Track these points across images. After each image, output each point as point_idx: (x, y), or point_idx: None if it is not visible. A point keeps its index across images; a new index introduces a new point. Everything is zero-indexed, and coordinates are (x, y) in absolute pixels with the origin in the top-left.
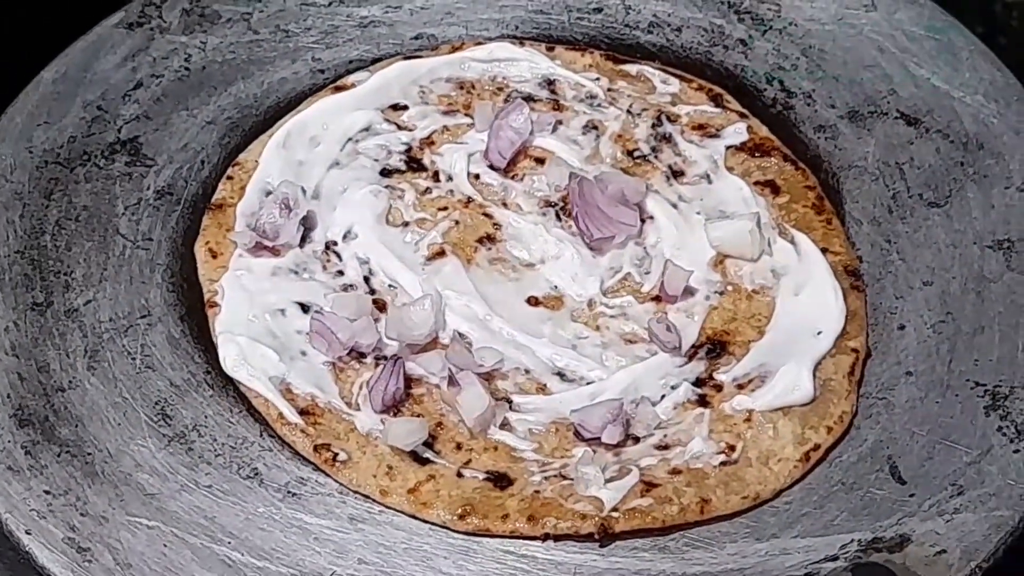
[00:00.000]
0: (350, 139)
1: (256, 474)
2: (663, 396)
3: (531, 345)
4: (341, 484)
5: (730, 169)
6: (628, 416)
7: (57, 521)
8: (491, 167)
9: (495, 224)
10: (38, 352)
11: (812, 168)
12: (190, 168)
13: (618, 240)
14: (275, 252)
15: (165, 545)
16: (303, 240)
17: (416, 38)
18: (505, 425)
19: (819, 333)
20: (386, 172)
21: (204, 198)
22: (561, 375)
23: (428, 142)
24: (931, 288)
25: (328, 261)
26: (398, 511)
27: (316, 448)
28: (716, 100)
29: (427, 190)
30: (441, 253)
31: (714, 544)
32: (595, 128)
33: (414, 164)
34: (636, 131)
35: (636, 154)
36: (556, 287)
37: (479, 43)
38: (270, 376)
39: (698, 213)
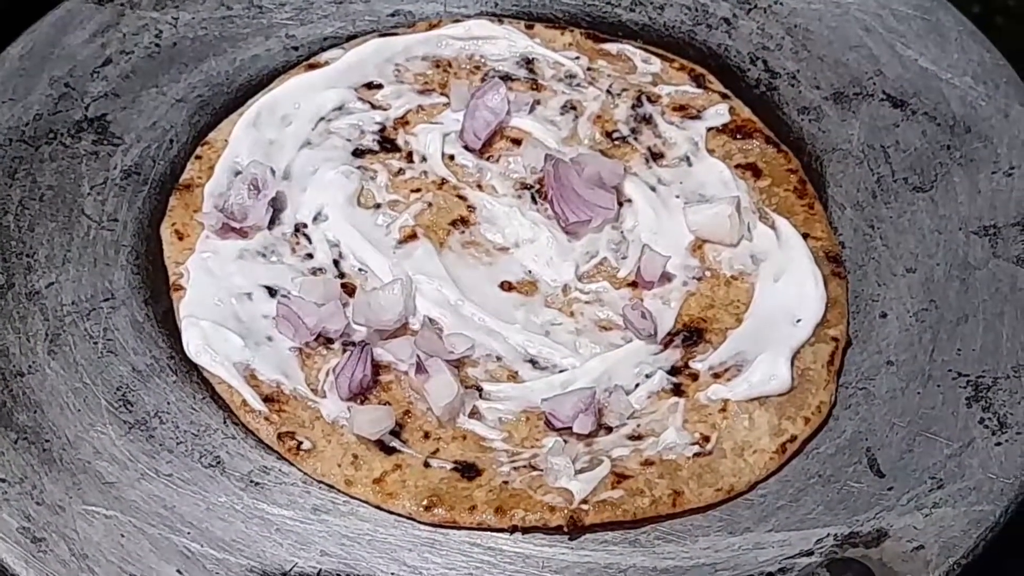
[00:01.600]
0: (322, 118)
1: (218, 463)
2: (637, 385)
3: (503, 331)
4: (305, 473)
5: (711, 151)
6: (601, 405)
7: (12, 510)
8: (466, 148)
9: (469, 206)
10: None
11: (795, 151)
12: (158, 147)
13: (594, 224)
14: (243, 234)
15: (122, 535)
16: (272, 222)
17: (393, 15)
18: (474, 414)
19: (798, 321)
20: (359, 152)
21: (172, 178)
22: (533, 362)
23: (402, 122)
24: (914, 275)
25: (297, 244)
26: (363, 502)
27: (280, 436)
28: (698, 80)
29: (400, 171)
30: (413, 236)
31: (686, 538)
32: (573, 109)
33: (387, 144)
34: (616, 112)
35: (615, 135)
36: (530, 272)
37: (457, 20)
38: (234, 362)
39: (677, 196)
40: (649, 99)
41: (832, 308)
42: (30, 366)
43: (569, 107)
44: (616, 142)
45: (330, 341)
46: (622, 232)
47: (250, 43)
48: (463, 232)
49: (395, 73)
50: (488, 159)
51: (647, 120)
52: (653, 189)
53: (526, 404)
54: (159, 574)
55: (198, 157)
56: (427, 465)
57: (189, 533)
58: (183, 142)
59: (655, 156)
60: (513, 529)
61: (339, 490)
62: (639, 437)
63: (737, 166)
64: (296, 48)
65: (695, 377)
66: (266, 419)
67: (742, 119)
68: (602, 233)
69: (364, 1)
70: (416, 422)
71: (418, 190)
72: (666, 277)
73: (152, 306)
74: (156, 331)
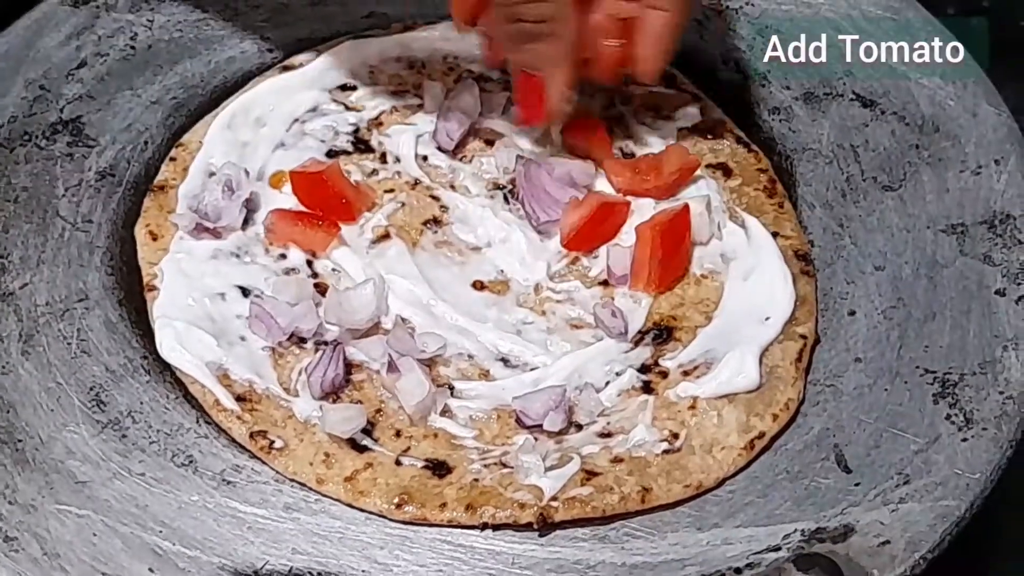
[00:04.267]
0: (296, 120)
1: (191, 462)
2: (607, 383)
3: (475, 330)
4: (277, 472)
5: None
6: (571, 403)
7: None
8: (440, 149)
9: (442, 207)
10: None
11: (765, 151)
12: (133, 149)
13: None
14: (217, 234)
15: (94, 534)
16: (245, 222)
17: (367, 17)
18: (446, 412)
19: (767, 319)
20: (332, 153)
21: (146, 180)
22: (505, 361)
23: (376, 123)
24: (883, 273)
25: (270, 244)
26: (334, 500)
27: (252, 435)
28: (670, 81)
29: (374, 172)
30: (386, 236)
31: (655, 534)
32: None
33: (361, 145)
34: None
35: None
36: (502, 271)
37: (431, 23)
38: (207, 361)
39: None
40: (621, 100)
41: (801, 306)
42: (3, 366)
43: None
44: None
45: (303, 340)
46: None
47: (225, 45)
48: (436, 232)
49: (369, 75)
50: (461, 160)
51: (619, 120)
52: None
53: (497, 402)
54: (131, 573)
55: (172, 159)
56: (398, 463)
57: (161, 532)
58: (157, 144)
59: (627, 156)
60: (483, 526)
61: (311, 488)
62: (609, 434)
63: (708, 165)
64: (271, 50)
65: (665, 375)
66: (238, 418)
67: (713, 119)
68: None
69: (339, 3)
70: (388, 420)
71: (391, 190)
72: None
73: (126, 307)
74: (130, 331)
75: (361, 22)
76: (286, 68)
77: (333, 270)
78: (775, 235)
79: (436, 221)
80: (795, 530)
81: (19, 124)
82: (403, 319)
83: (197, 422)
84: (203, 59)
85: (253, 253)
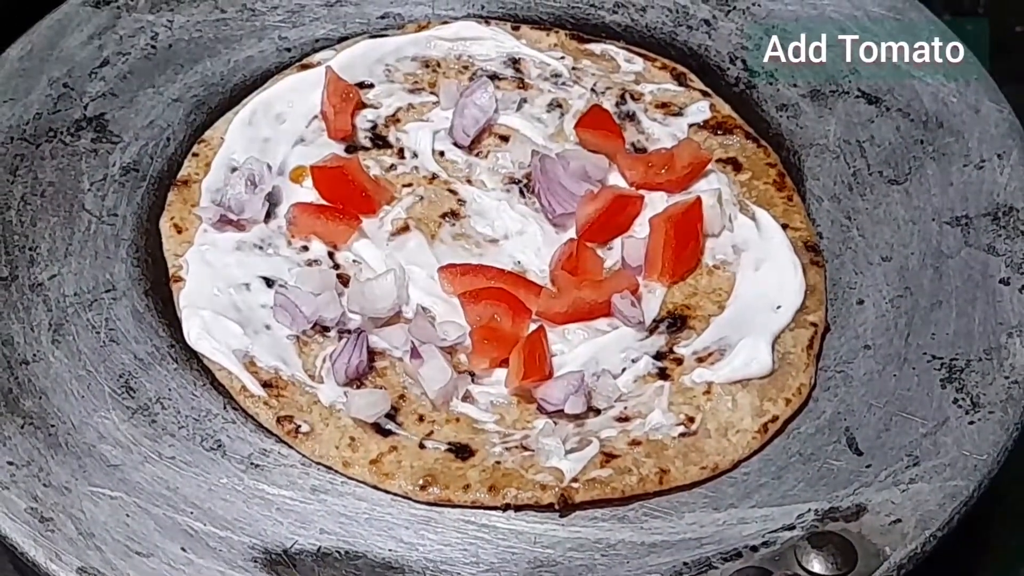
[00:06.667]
0: (315, 116)
1: (219, 446)
2: (624, 369)
3: None
4: (304, 455)
5: None
6: (589, 389)
7: (20, 491)
8: (456, 144)
9: (459, 200)
10: (2, 326)
11: (774, 146)
12: (156, 145)
13: None
14: (240, 227)
15: (127, 515)
16: (268, 215)
17: (382, 17)
18: (467, 397)
19: (778, 307)
20: (351, 149)
21: (169, 174)
22: None
23: (393, 120)
24: (890, 263)
25: (293, 236)
26: (360, 482)
27: (279, 420)
28: (679, 79)
29: (392, 167)
30: (405, 228)
31: (673, 514)
32: (559, 106)
33: (379, 141)
34: None
35: None
36: (519, 262)
37: (445, 22)
38: (233, 349)
39: None
40: (632, 97)
41: (811, 295)
42: (35, 354)
43: (555, 105)
44: None
45: (326, 329)
46: None
47: (244, 45)
48: (454, 225)
49: (385, 73)
50: (477, 155)
51: (631, 117)
52: None
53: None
54: (164, 551)
55: (195, 154)
56: (422, 446)
57: (192, 513)
58: (180, 140)
59: (639, 151)
60: (506, 507)
61: (337, 471)
62: (626, 419)
63: (718, 160)
64: (289, 50)
65: (680, 361)
66: (265, 404)
67: (722, 116)
68: None
69: (354, 4)
70: (411, 406)
71: (410, 185)
72: None
73: (152, 297)
74: (156, 321)
75: (376, 22)
76: (305, 67)
77: (354, 261)
78: (784, 227)
79: (454, 214)
80: (809, 510)
81: (44, 121)
82: (424, 308)
83: (224, 408)
84: (222, 58)
85: (276, 245)
